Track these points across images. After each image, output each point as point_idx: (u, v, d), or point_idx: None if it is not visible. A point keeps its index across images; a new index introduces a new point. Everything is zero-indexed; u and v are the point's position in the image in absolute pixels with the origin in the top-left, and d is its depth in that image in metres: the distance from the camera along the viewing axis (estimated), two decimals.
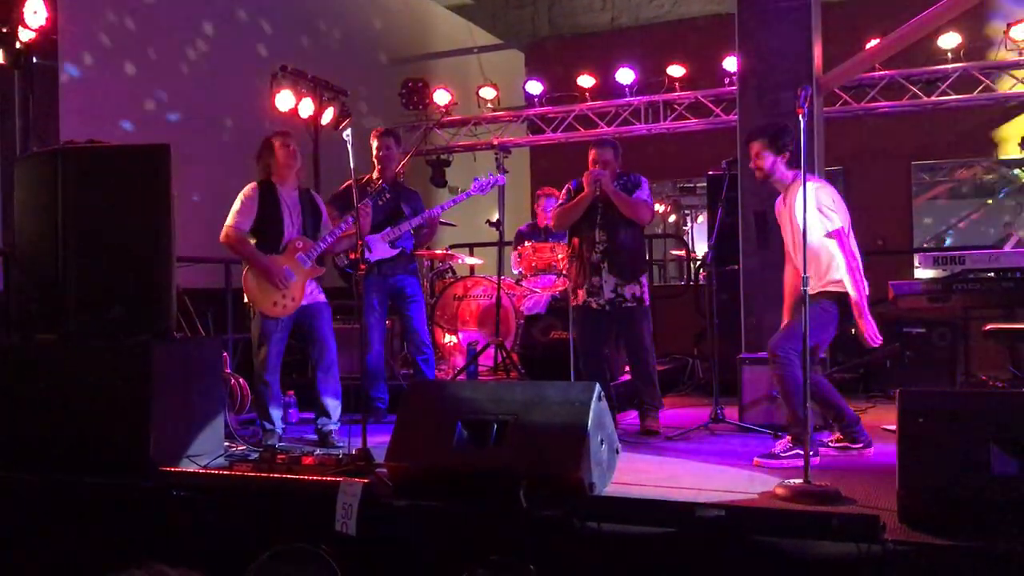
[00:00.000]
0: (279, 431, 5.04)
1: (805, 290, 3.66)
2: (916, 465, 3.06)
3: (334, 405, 5.07)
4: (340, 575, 3.05)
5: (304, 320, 5.05)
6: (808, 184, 4.03)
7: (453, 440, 3.62)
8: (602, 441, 3.65)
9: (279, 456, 4.06)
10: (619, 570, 3.16)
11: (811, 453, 3.81)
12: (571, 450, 3.46)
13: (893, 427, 5.07)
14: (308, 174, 5.82)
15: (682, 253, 10.36)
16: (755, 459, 4.27)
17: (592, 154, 5.31)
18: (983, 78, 7.63)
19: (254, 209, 4.93)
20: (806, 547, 3.02)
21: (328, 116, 7.79)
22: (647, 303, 5.31)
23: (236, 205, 4.95)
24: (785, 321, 4.60)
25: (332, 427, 5.07)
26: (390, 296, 5.80)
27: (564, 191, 5.49)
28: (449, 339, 7.17)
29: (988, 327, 5.40)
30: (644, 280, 5.35)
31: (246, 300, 4.99)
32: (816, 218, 4.23)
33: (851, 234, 4.33)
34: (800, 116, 3.60)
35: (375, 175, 5.82)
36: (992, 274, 5.82)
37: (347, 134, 4.37)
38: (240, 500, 3.85)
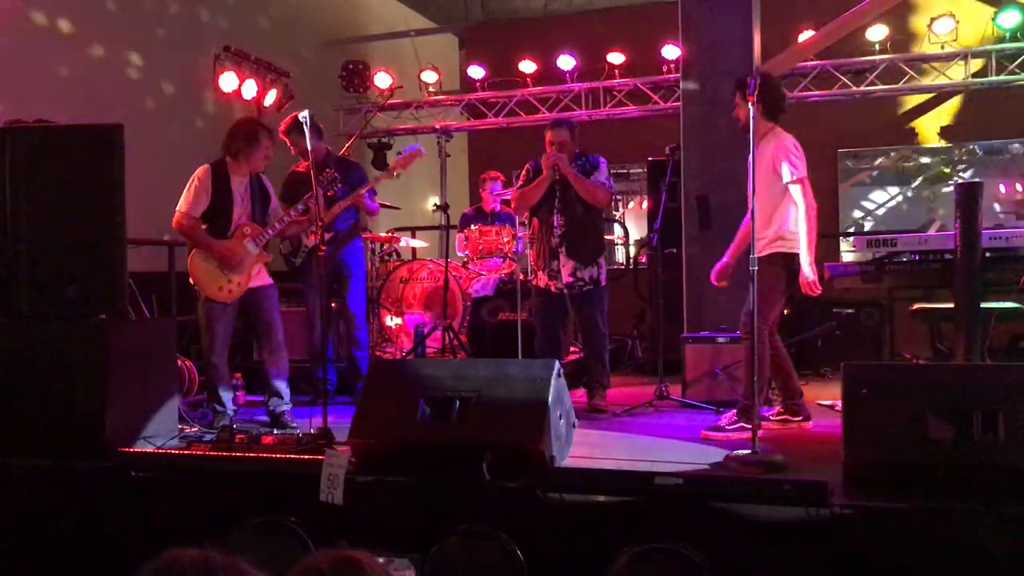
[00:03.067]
0: (230, 413, 5.04)
1: (753, 259, 3.82)
2: (859, 434, 3.27)
3: (283, 387, 5.09)
4: (311, 544, 3.11)
5: (251, 303, 5.04)
6: (786, 136, 4.36)
7: (416, 416, 3.71)
8: (561, 416, 3.78)
9: (237, 436, 4.09)
10: (582, 537, 3.30)
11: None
12: (533, 424, 3.57)
13: (828, 402, 5.38)
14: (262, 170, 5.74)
15: (620, 237, 10.56)
16: (702, 432, 4.45)
17: (548, 135, 5.37)
18: (908, 69, 7.97)
19: (207, 194, 4.91)
20: (759, 512, 3.20)
21: (271, 98, 7.73)
22: (604, 284, 5.43)
23: (189, 190, 4.91)
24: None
25: (284, 408, 5.08)
26: (332, 276, 5.75)
27: (523, 173, 5.54)
28: (394, 321, 7.22)
29: (915, 307, 5.70)
30: (602, 262, 5.46)
31: (192, 283, 4.97)
32: (784, 167, 4.42)
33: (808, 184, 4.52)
34: (750, 104, 3.77)
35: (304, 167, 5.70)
36: (918, 256, 6.14)
37: (304, 116, 4.39)
38: (204, 480, 3.87)
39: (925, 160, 10.78)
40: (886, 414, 3.25)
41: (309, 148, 4.49)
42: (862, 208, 11.17)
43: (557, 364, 3.80)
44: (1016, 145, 9.97)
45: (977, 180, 5.50)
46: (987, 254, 5.83)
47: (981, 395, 3.20)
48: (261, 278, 5.06)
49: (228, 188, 4.95)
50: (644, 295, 7.85)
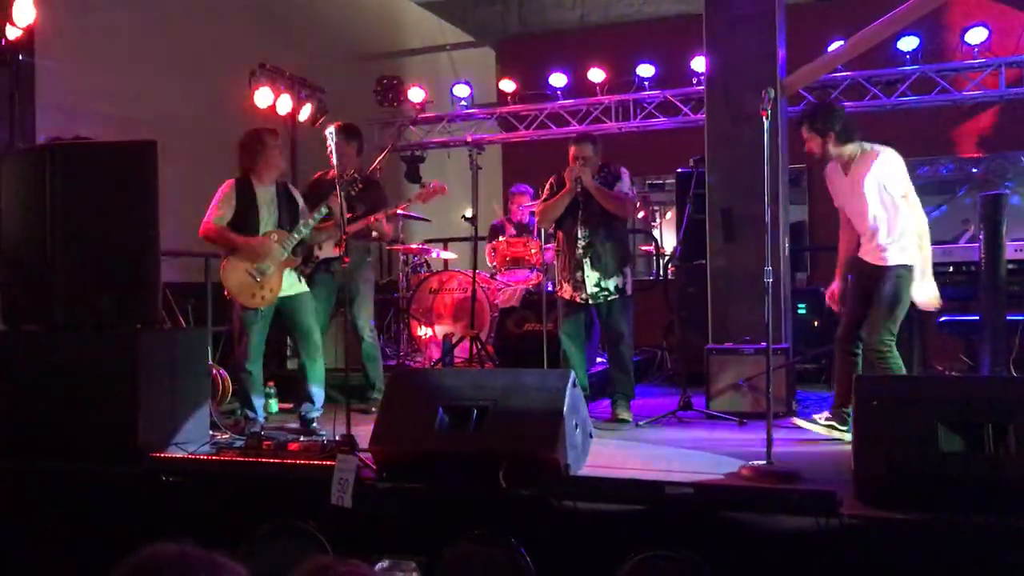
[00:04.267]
0: (261, 419, 5.18)
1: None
2: (870, 445, 3.28)
3: (318, 393, 5.22)
4: (329, 548, 3.20)
5: (286, 311, 5.17)
6: (888, 152, 4.51)
7: (435, 425, 3.80)
8: (576, 425, 3.84)
9: (265, 443, 4.21)
10: (594, 544, 3.35)
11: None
12: (548, 433, 3.64)
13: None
14: (286, 169, 5.91)
15: (651, 248, 10.58)
16: (793, 420, 4.84)
17: (572, 150, 5.45)
18: (940, 80, 7.92)
19: (232, 204, 5.05)
20: (769, 521, 3.23)
21: (306, 113, 7.91)
22: (629, 294, 5.48)
23: (214, 201, 5.06)
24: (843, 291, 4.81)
25: (315, 414, 5.21)
26: (336, 292, 5.81)
27: (547, 187, 5.64)
28: (424, 332, 7.33)
29: (941, 319, 5.67)
30: (627, 271, 5.52)
31: (226, 294, 5.11)
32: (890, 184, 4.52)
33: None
34: (764, 118, 3.81)
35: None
36: (950, 268, 6.12)
37: (329, 131, 4.51)
38: (229, 485, 4.00)
39: (967, 170, 10.66)
40: (896, 426, 3.26)
41: (334, 163, 4.61)
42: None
43: (573, 374, 3.87)
44: None
45: (1002, 191, 5.48)
46: (1012, 266, 5.82)
47: (992, 408, 3.20)
48: (296, 287, 5.19)
49: (253, 198, 5.08)
50: (673, 306, 7.88)
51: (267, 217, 5.11)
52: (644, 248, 11.29)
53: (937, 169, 10.86)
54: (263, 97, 7.25)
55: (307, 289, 5.28)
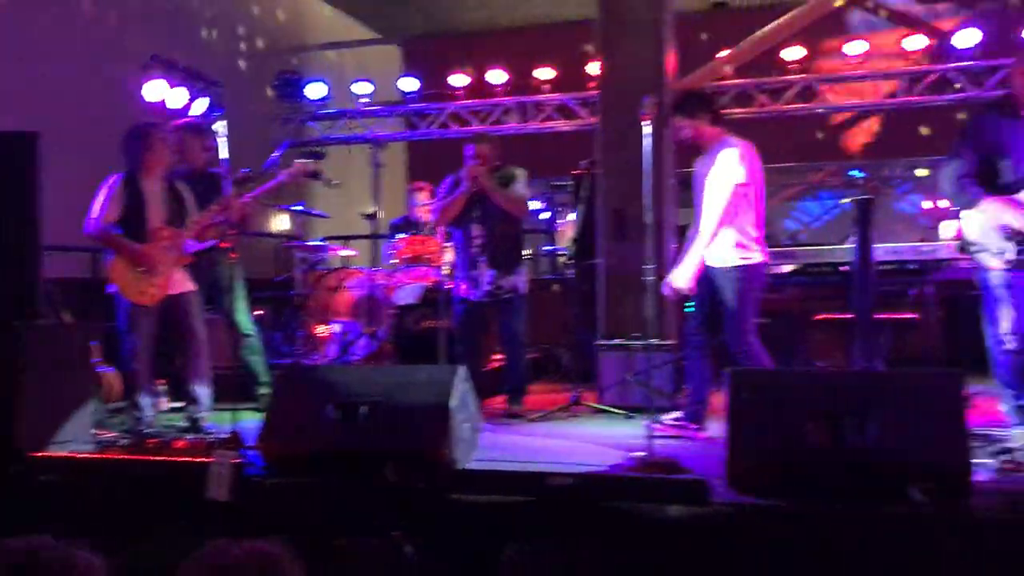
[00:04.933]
0: (149, 418, 5.08)
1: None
2: (742, 436, 3.45)
3: (204, 392, 5.15)
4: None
5: (173, 309, 5.09)
6: (734, 147, 4.57)
7: (324, 421, 3.82)
8: (465, 420, 3.91)
9: (149, 440, 4.16)
10: (479, 535, 3.43)
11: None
12: (436, 428, 3.71)
13: None
14: (175, 164, 5.77)
15: (552, 248, 10.74)
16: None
17: (469, 150, 5.54)
18: (823, 89, 8.29)
19: (118, 201, 4.94)
20: (645, 510, 3.36)
21: (200, 107, 7.76)
22: (524, 292, 5.58)
23: (99, 198, 4.94)
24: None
25: (203, 413, 5.14)
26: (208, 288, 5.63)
27: (444, 186, 5.71)
28: (322, 330, 7.29)
29: (817, 316, 5.97)
30: (522, 270, 5.62)
31: (114, 290, 5.01)
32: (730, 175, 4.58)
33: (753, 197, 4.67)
34: (645, 123, 3.96)
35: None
36: (827, 269, 6.44)
37: (219, 126, 4.48)
38: (112, 483, 3.93)
39: (853, 177, 11.17)
40: (766, 417, 3.44)
41: (226, 158, 4.58)
42: (798, 221, 11.52)
43: (462, 369, 3.94)
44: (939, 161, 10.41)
45: (870, 196, 5.80)
46: (889, 267, 6.17)
47: (853, 400, 3.41)
48: (183, 284, 5.11)
49: (140, 194, 4.98)
50: (569, 304, 8.03)
51: (154, 214, 5.02)
52: (546, 247, 11.47)
53: (825, 176, 11.34)
54: (155, 90, 7.09)
55: (195, 288, 5.21)
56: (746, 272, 4.62)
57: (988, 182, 4.16)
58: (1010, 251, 4.08)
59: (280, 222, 9.60)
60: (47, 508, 3.96)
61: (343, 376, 4.04)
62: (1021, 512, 3.13)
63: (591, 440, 4.65)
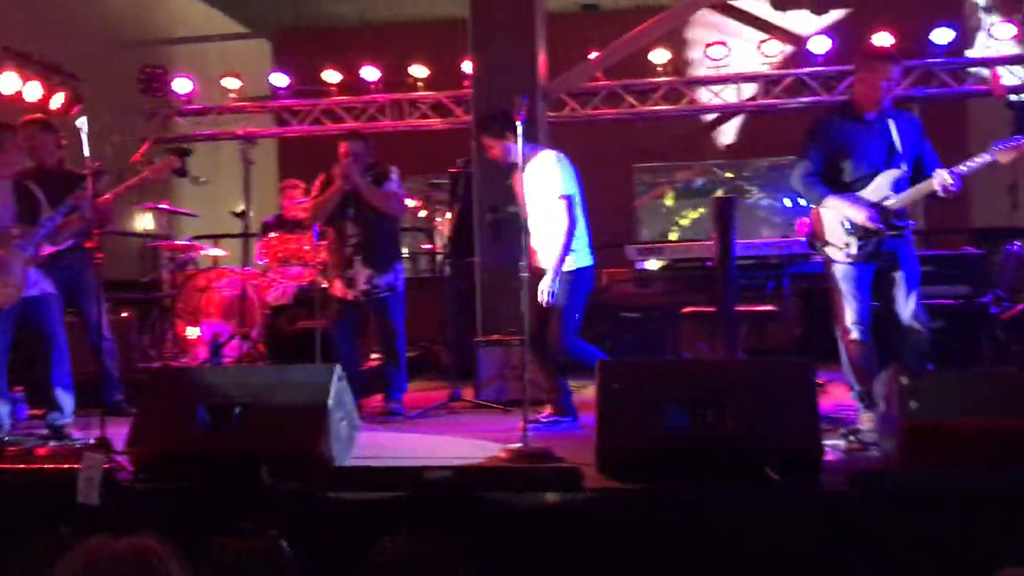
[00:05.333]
0: (6, 427, 4.86)
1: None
2: (610, 424, 3.60)
3: (66, 398, 4.95)
4: None
5: (31, 312, 4.88)
6: (546, 154, 4.61)
7: (195, 424, 3.75)
8: (342, 418, 3.92)
9: (9, 448, 3.98)
10: (358, 532, 3.44)
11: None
12: (312, 427, 3.70)
13: None
14: (25, 161, 5.47)
15: (431, 246, 10.79)
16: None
17: (342, 147, 5.50)
18: (687, 91, 8.65)
19: None
20: (522, 499, 3.46)
21: (58, 101, 7.45)
22: (401, 291, 5.59)
23: None
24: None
25: (65, 421, 4.94)
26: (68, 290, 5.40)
27: (317, 183, 5.66)
28: (192, 332, 7.11)
29: (685, 310, 6.23)
30: (399, 268, 5.61)
31: None
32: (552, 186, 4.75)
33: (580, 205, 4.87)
34: (517, 123, 4.06)
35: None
36: (693, 264, 6.73)
37: (81, 122, 4.33)
38: None
39: (720, 175, 11.65)
40: (633, 406, 3.59)
41: (87, 154, 4.42)
42: (666, 220, 11.91)
43: (338, 368, 3.94)
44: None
45: (731, 196, 6.10)
46: (750, 262, 6.49)
47: (712, 388, 3.60)
48: (40, 286, 4.90)
49: None
50: (446, 302, 8.09)
51: (4, 214, 4.80)
52: (424, 246, 11.49)
53: (691, 175, 11.78)
54: (8, 83, 6.77)
55: (53, 290, 5.00)
56: (575, 276, 4.88)
57: (833, 181, 4.45)
58: (853, 245, 4.38)
59: (144, 221, 9.28)
60: None
61: (214, 377, 3.98)
62: (864, 488, 3.37)
63: (470, 434, 4.73)
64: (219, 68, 9.76)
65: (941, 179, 4.23)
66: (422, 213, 12.94)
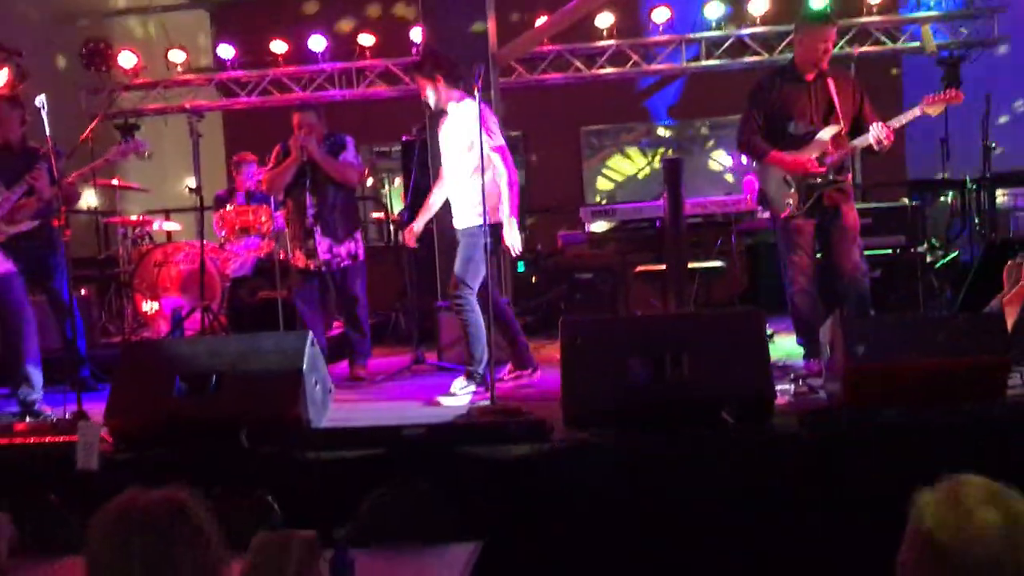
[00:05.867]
0: None
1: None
2: (574, 378, 3.78)
3: (36, 374, 5.00)
4: (72, 523, 3.20)
5: None
6: (474, 103, 4.44)
7: (172, 394, 3.86)
8: (316, 383, 4.05)
9: None
10: (339, 490, 3.59)
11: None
12: (288, 392, 3.83)
13: None
14: None
15: (382, 215, 10.83)
16: (436, 398, 4.74)
17: (296, 118, 5.56)
18: (632, 54, 8.81)
19: None
20: (495, 452, 3.64)
21: (2, 79, 7.34)
22: (362, 259, 5.68)
23: None
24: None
25: (35, 396, 4.99)
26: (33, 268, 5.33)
27: (273, 155, 5.71)
28: (150, 306, 7.13)
29: (637, 269, 6.44)
30: (358, 236, 5.70)
31: None
32: (481, 138, 4.51)
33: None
34: (476, 91, 4.19)
35: None
36: (643, 224, 6.93)
37: (40, 100, 4.34)
38: None
39: (662, 135, 11.85)
40: (595, 360, 3.79)
41: (48, 133, 4.44)
42: (611, 181, 12.09)
43: (311, 334, 4.07)
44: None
45: (678, 157, 6.30)
46: (697, 220, 6.71)
47: (669, 340, 3.81)
48: (2, 264, 4.92)
49: None
50: (404, 270, 8.21)
51: None
52: (375, 215, 11.54)
53: (638, 136, 11.96)
54: None
55: (15, 268, 5.02)
56: (479, 231, 4.76)
57: (775, 139, 4.67)
58: (795, 200, 4.61)
59: (88, 197, 9.19)
60: None
61: (189, 348, 4.08)
62: (813, 427, 3.62)
63: (437, 395, 4.88)
64: (161, 41, 9.65)
65: (876, 133, 4.47)
66: (369, 182, 12.97)
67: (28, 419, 4.48)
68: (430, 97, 5.01)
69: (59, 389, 5.13)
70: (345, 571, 2.25)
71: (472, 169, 4.78)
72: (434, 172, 5.60)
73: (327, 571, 2.28)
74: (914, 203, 7.38)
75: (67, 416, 4.14)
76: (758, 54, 8.60)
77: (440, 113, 5.15)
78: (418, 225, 5.30)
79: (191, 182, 9.65)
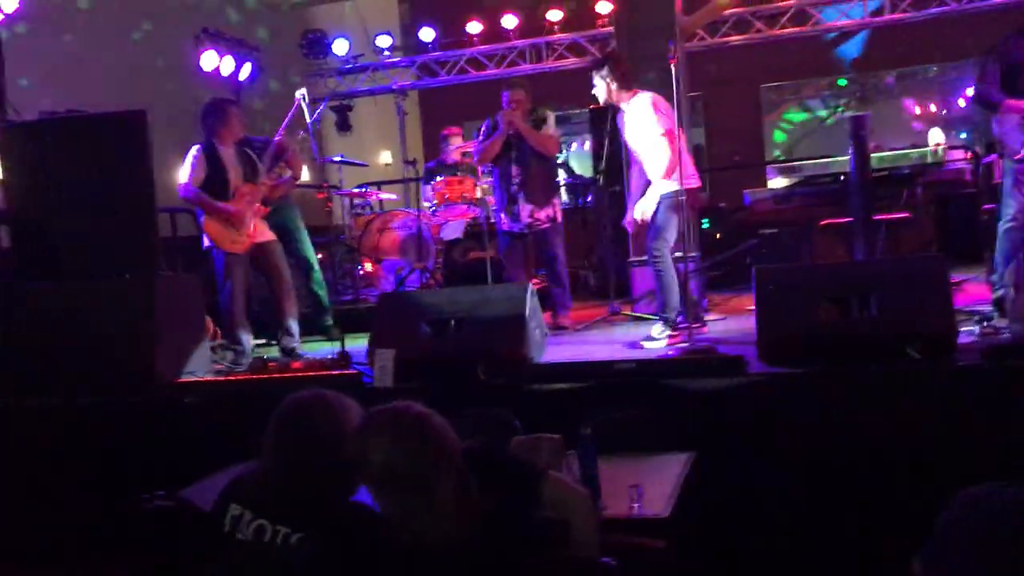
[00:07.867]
0: (248, 350, 5.87)
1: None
2: (768, 319, 4.21)
3: (294, 325, 5.93)
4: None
5: (259, 255, 5.84)
6: (645, 95, 5.06)
7: (420, 336, 4.59)
8: (536, 327, 4.69)
9: (270, 364, 4.93)
10: (561, 416, 4.20)
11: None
12: (515, 333, 4.47)
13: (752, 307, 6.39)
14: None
15: (568, 179, 11.41)
16: (640, 342, 5.30)
17: (506, 95, 6.20)
18: (814, 13, 8.92)
19: (203, 168, 5.66)
20: (695, 384, 4.14)
21: (246, 72, 8.40)
22: (559, 221, 6.31)
23: (186, 167, 5.64)
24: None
25: (295, 344, 5.93)
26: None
27: (483, 128, 6.38)
28: (371, 267, 8.05)
29: (823, 222, 6.71)
30: (557, 201, 6.32)
31: (206, 243, 5.74)
32: (655, 121, 5.22)
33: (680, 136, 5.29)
34: (672, 65, 4.66)
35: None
36: (827, 179, 7.16)
37: (300, 93, 5.16)
38: (245, 403, 4.65)
39: (843, 86, 11.79)
40: (787, 303, 4.20)
41: (308, 121, 5.27)
42: (791, 136, 12.16)
43: (530, 285, 4.70)
44: (934, 68, 11.18)
45: (865, 113, 6.47)
46: (883, 173, 6.88)
47: (856, 284, 4.17)
48: (265, 234, 5.86)
49: (219, 159, 5.70)
50: (593, 230, 8.78)
51: (234, 175, 5.74)
52: (567, 180, 12.16)
53: (818, 89, 11.95)
54: (209, 60, 7.73)
55: (274, 236, 5.94)
56: (672, 195, 5.28)
57: (1011, 91, 4.84)
58: None
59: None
60: (186, 430, 4.70)
61: (431, 298, 4.80)
62: (996, 360, 3.89)
63: (636, 339, 5.43)
64: (355, 25, 10.52)
65: None
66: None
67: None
68: (599, 92, 5.53)
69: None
70: (591, 459, 2.85)
71: (657, 150, 5.27)
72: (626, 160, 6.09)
73: (575, 461, 2.89)
74: None
75: (332, 357, 4.96)
76: (944, 3, 8.50)
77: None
78: (636, 212, 5.65)
79: (385, 156, 10.61)
